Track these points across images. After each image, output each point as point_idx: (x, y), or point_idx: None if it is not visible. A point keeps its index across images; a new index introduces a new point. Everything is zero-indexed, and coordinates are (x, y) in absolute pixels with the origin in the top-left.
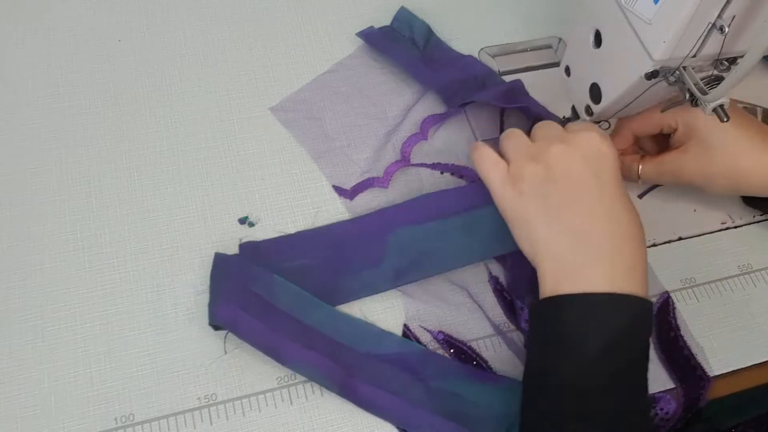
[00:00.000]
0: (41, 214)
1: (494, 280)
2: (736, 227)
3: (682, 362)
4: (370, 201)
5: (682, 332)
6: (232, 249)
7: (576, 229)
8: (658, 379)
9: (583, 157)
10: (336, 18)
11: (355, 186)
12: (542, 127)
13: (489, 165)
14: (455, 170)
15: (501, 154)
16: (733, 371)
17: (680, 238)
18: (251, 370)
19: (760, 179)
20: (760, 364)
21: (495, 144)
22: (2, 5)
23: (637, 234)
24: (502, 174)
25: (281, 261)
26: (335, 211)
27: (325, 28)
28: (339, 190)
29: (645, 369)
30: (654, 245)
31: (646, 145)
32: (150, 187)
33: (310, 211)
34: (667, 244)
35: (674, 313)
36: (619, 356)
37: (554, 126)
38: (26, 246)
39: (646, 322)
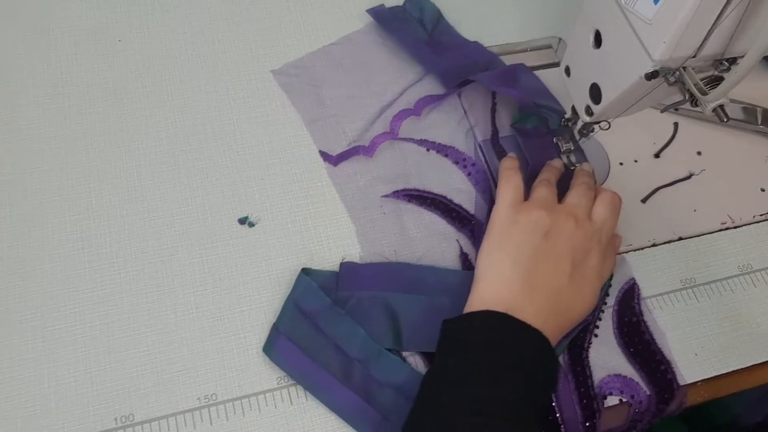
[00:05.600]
0: (41, 214)
1: (464, 257)
2: (736, 227)
3: (642, 347)
4: (353, 171)
5: (645, 318)
6: (233, 248)
7: (534, 279)
8: (622, 367)
9: (581, 247)
10: (335, 15)
11: (340, 153)
12: (576, 191)
13: (510, 185)
14: (440, 149)
15: (533, 176)
16: (733, 371)
17: (680, 238)
18: (251, 370)
19: None
20: (760, 364)
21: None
22: (2, 5)
23: (577, 318)
24: (514, 198)
25: (377, 288)
26: (336, 210)
27: (325, 27)
28: (324, 156)
29: (541, 405)
30: (654, 245)
31: None
32: (150, 187)
33: (311, 212)
34: (667, 244)
35: (638, 299)
36: (530, 384)
37: (588, 195)
38: (26, 246)
39: (555, 366)
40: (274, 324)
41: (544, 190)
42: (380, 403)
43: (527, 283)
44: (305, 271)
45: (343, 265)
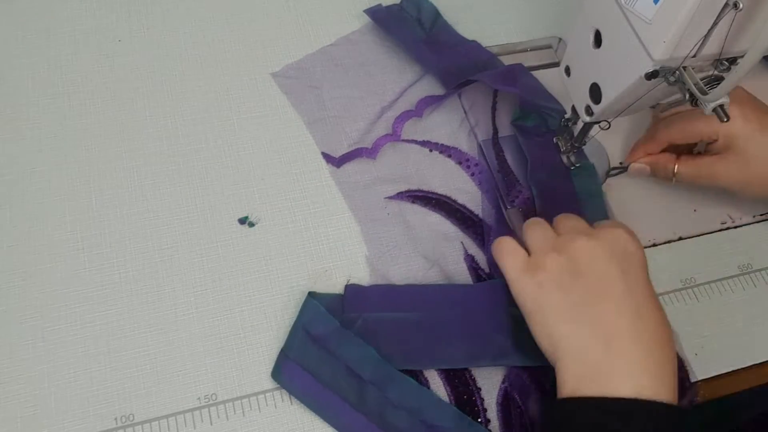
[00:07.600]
0: (41, 214)
1: (470, 259)
2: (736, 227)
3: None
4: (355, 172)
5: None
6: (233, 248)
7: (601, 327)
8: None
9: (610, 253)
10: (335, 15)
11: (343, 155)
12: (565, 219)
13: (505, 253)
14: (443, 149)
15: (524, 245)
16: (733, 371)
17: (680, 238)
18: (251, 370)
19: None
20: (760, 364)
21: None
22: (2, 5)
23: (666, 336)
24: (520, 263)
25: (383, 309)
26: (336, 210)
27: (326, 29)
28: (327, 158)
29: None
30: (654, 245)
31: (678, 147)
32: (150, 187)
33: (311, 211)
34: (667, 244)
35: None
36: None
37: (579, 219)
38: (26, 246)
39: (676, 430)
40: (282, 350)
41: (536, 230)
42: (394, 427)
43: (599, 339)
44: (311, 295)
45: (348, 287)
